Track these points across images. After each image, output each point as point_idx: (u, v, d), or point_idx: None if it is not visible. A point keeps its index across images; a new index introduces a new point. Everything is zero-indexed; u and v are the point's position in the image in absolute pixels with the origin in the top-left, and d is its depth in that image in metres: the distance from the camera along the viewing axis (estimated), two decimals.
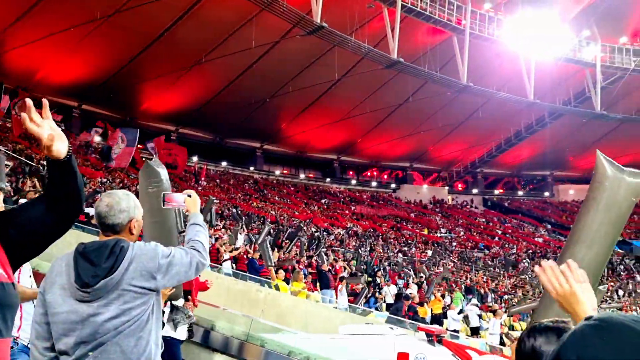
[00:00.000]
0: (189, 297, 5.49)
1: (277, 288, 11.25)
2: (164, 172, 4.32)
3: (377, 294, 16.71)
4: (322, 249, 21.06)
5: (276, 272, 12.34)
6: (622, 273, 35.07)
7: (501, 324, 14.86)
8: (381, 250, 29.01)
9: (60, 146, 1.65)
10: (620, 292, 29.28)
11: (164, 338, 4.23)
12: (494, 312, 15.77)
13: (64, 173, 1.68)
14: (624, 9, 36.49)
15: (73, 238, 4.03)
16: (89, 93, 32.16)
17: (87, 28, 27.35)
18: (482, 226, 43.31)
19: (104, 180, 23.29)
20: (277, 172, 43.90)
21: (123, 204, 2.34)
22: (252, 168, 42.34)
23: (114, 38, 28.53)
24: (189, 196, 2.76)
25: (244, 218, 24.28)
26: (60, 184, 1.71)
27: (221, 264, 12.63)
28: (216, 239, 13.90)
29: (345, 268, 18.30)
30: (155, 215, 4.00)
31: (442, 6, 31.99)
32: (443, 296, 18.36)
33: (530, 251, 38.18)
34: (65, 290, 2.19)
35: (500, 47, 34.65)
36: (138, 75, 31.72)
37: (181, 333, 5.27)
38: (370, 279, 18.76)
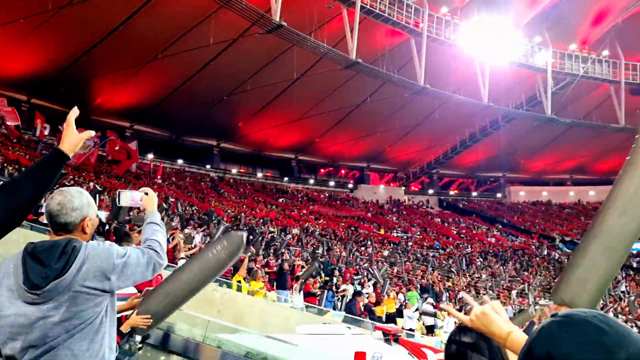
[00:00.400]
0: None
1: (239, 288, 11.12)
2: None
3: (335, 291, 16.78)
4: (282, 250, 21.00)
5: (236, 271, 12.20)
6: None
7: (455, 322, 15.15)
8: (338, 250, 29.12)
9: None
10: None
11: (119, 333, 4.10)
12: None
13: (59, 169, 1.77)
14: (574, 17, 37.84)
15: (21, 237, 3.86)
16: (38, 87, 31.08)
17: (39, 19, 26.42)
18: (437, 226, 44.09)
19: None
20: (234, 171, 43.54)
21: (76, 202, 2.25)
22: (208, 166, 41.85)
23: (66, 30, 27.67)
24: (146, 194, 2.67)
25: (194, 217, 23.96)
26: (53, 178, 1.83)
27: (177, 264, 12.42)
28: (172, 239, 13.65)
29: (302, 267, 18.27)
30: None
31: (401, 9, 32.39)
32: (397, 294, 18.56)
33: (483, 250, 39.10)
34: (13, 292, 2.08)
35: (456, 51, 35.34)
36: (91, 70, 30.87)
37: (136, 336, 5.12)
38: (327, 278, 18.82)
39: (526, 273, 34.65)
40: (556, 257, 40.32)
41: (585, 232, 2.07)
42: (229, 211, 30.90)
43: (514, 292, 28.58)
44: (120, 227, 11.40)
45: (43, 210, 10.07)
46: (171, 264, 11.99)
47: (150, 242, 2.41)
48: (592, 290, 1.88)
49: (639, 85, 40.03)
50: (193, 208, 28.07)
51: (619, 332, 0.98)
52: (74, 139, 2.27)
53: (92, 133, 2.45)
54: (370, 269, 23.56)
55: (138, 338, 4.90)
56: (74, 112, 2.30)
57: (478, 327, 1.58)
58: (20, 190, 2.15)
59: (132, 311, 3.67)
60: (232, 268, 13.66)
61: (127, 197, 2.68)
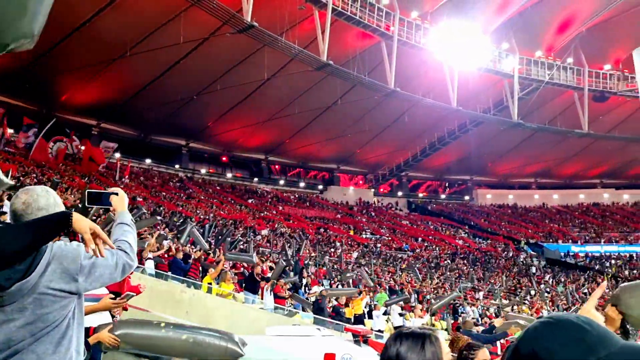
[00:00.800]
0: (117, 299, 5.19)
1: (209, 290, 11.00)
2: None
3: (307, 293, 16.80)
4: (250, 250, 20.86)
5: (205, 273, 12.09)
6: (532, 276, 37.07)
7: (423, 324, 15.30)
8: (308, 251, 29.12)
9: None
10: (532, 292, 30.93)
11: (86, 343, 3.99)
12: (414, 310, 16.24)
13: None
14: (540, 25, 38.69)
15: None
16: (1, 82, 30.19)
17: None
18: (406, 228, 44.48)
19: (17, 175, 21.96)
20: (203, 171, 43.13)
21: (42, 201, 2.18)
22: (177, 166, 41.35)
23: None
24: (116, 194, 2.60)
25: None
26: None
27: (144, 264, 12.22)
28: (141, 239, 13.44)
29: (271, 269, 18.20)
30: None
31: (372, 12, 32.57)
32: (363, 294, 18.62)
33: (451, 252, 39.64)
34: None
35: (426, 55, 35.73)
36: (57, 66, 30.11)
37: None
38: (296, 278, 18.79)
39: (492, 275, 35.25)
40: (521, 259, 41.15)
41: None
42: (197, 212, 30.60)
43: (480, 294, 29.05)
44: None
45: (6, 209, 9.78)
46: (139, 265, 11.80)
47: (120, 242, 2.33)
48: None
49: (602, 92, 41.14)
50: (161, 208, 27.70)
51: (600, 332, 1.04)
52: (82, 227, 2.03)
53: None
54: (341, 270, 23.63)
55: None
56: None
57: None
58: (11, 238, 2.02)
59: (104, 325, 3.61)
60: (201, 270, 13.53)
61: (96, 198, 2.60)
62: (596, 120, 41.86)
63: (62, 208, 2.26)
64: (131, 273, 2.89)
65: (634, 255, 42.80)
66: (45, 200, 2.19)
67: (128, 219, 2.48)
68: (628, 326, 2.03)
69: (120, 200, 2.55)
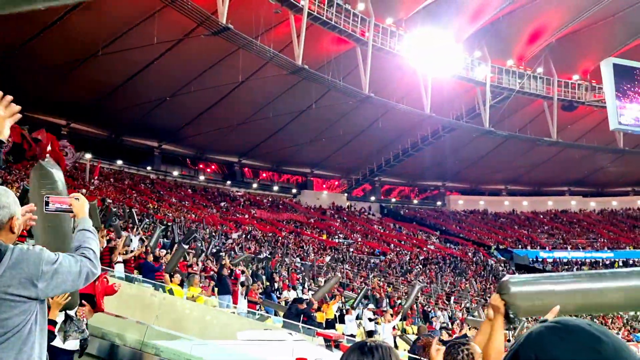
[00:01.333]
0: (84, 301, 5.08)
1: (171, 292, 10.85)
2: (58, 173, 3.91)
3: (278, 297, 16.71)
4: (221, 253, 20.67)
5: (172, 276, 11.92)
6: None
7: (394, 327, 15.36)
8: (280, 255, 29.03)
9: None
10: None
11: (52, 348, 3.88)
12: (384, 316, 16.28)
13: None
14: (511, 35, 39.39)
15: None
16: None
17: None
18: (378, 233, 44.69)
19: None
20: (176, 173, 42.67)
21: (2, 199, 2.12)
22: (149, 168, 40.81)
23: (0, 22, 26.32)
24: (77, 199, 2.52)
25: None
26: None
27: (113, 268, 11.99)
28: (108, 241, 13.19)
29: (243, 272, 18.07)
30: (49, 219, 3.64)
31: (347, 17, 32.73)
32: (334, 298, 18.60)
33: (423, 257, 39.95)
34: None
35: (400, 61, 36.03)
36: (27, 63, 29.45)
37: (71, 344, 4.86)
38: (267, 282, 18.70)
39: (463, 279, 35.65)
40: (491, 265, 41.70)
41: (588, 273, 2.22)
42: (168, 214, 30.24)
43: (452, 298, 29.35)
44: None
45: None
46: (107, 267, 11.58)
47: (84, 249, 2.27)
48: (541, 308, 2.02)
49: (570, 101, 42.06)
50: (132, 210, 27.25)
51: (615, 343, 0.92)
52: None
53: (17, 108, 2.34)
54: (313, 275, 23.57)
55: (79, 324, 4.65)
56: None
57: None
58: None
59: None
60: (168, 274, 13.34)
61: (56, 202, 2.53)
62: (565, 128, 42.76)
63: (20, 207, 2.21)
64: (104, 274, 2.82)
65: (600, 261, 43.83)
66: (5, 198, 2.15)
67: (90, 225, 2.43)
68: (511, 314, 2.20)
69: (80, 206, 2.48)
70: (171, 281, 11.88)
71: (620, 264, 43.91)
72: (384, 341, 1.75)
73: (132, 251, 13.83)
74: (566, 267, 42.48)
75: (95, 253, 2.30)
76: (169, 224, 25.41)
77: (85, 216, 2.47)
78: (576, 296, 2.13)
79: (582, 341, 0.91)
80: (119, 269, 12.26)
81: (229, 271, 14.68)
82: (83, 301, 4.97)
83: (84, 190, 25.22)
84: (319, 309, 14.67)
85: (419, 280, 27.38)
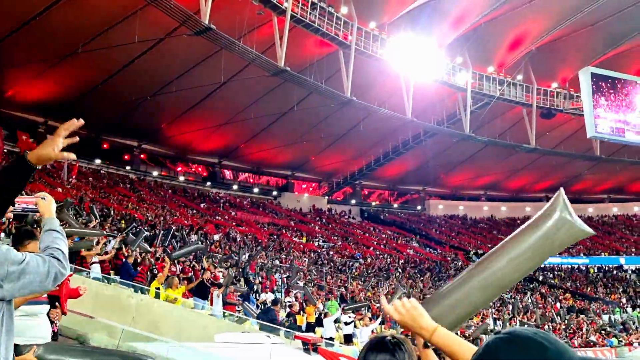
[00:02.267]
0: (57, 303, 4.98)
1: (157, 295, 10.69)
2: None
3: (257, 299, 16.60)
4: (201, 255, 20.51)
5: (153, 278, 11.75)
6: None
7: (373, 331, 15.35)
8: (260, 258, 28.87)
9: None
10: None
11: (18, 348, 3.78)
12: (362, 319, 16.27)
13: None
14: (492, 42, 39.80)
15: None
16: None
17: None
18: (358, 236, 44.75)
19: None
20: (155, 173, 42.24)
21: None
22: (128, 167, 40.34)
23: None
24: (43, 199, 2.44)
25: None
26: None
27: (89, 268, 11.80)
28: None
29: (222, 274, 17.93)
30: None
31: (331, 20, 32.75)
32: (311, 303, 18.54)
33: (402, 261, 40.10)
34: None
35: (383, 65, 36.15)
36: (3, 60, 28.94)
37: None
38: (246, 285, 18.58)
39: (441, 284, 35.80)
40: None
41: (473, 265, 2.18)
42: (147, 215, 29.90)
43: None
44: (21, 227, 10.68)
45: None
46: (84, 269, 11.38)
47: (52, 250, 2.20)
48: (458, 316, 2.02)
49: (549, 109, 42.63)
50: (110, 210, 26.92)
51: (559, 349, 1.07)
52: (47, 154, 2.11)
53: (73, 156, 2.30)
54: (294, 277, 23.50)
55: None
56: (72, 125, 2.18)
57: (405, 321, 1.68)
58: None
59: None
60: (149, 274, 13.18)
61: (21, 202, 2.45)
62: (543, 135, 43.31)
63: None
64: (69, 277, 2.75)
65: (575, 267, 44.47)
66: None
67: (56, 224, 2.36)
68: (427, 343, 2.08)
69: (47, 206, 2.41)
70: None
71: (596, 270, 44.66)
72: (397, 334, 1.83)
73: (106, 253, 13.62)
74: (543, 272, 43.00)
75: (64, 253, 2.23)
76: (149, 225, 25.14)
77: (52, 216, 2.40)
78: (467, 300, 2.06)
79: (531, 351, 1.07)
80: (96, 269, 12.07)
81: (212, 275, 14.54)
82: (56, 303, 4.88)
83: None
84: (301, 311, 14.61)
85: (401, 285, 27.45)
